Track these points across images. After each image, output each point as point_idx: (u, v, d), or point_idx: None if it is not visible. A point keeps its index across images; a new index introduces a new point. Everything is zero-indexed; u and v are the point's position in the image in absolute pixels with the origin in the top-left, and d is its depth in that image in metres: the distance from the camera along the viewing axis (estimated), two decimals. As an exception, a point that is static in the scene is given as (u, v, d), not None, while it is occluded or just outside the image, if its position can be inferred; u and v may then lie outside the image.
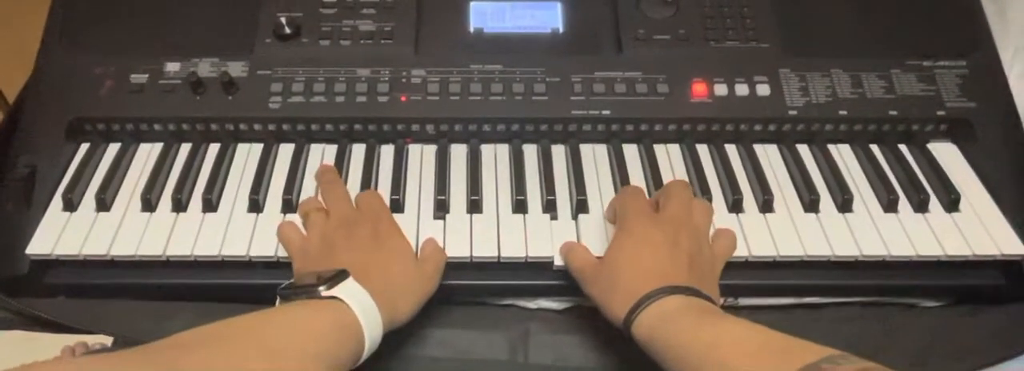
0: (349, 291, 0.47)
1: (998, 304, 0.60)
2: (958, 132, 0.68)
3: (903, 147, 0.68)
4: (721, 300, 0.53)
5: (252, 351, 0.41)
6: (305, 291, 0.47)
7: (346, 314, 0.46)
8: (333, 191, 0.60)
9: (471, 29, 0.71)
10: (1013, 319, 0.58)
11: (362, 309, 0.47)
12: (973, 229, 0.60)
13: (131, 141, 0.67)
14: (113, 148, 0.66)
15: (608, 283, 0.51)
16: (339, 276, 0.48)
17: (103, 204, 0.61)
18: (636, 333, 0.48)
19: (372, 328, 0.47)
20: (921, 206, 0.62)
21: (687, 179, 0.65)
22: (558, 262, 0.58)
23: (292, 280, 0.51)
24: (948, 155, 0.67)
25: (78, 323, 0.57)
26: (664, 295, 0.48)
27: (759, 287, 0.60)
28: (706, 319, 0.46)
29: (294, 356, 0.42)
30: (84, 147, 0.66)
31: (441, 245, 0.58)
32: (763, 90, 0.68)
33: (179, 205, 0.61)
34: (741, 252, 0.59)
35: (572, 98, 0.67)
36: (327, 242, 0.54)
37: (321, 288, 0.47)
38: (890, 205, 0.62)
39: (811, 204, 0.62)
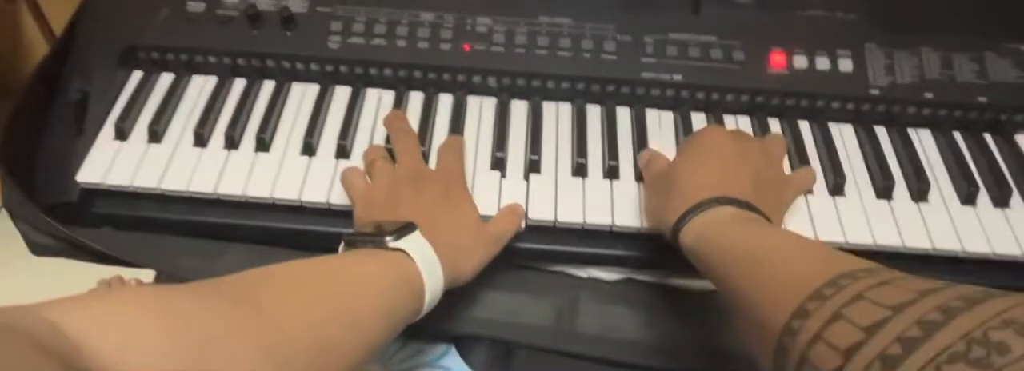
0: (416, 245, 0.46)
1: (1072, 311, 0.57)
2: (1051, 125, 0.64)
3: (988, 136, 0.64)
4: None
5: (326, 299, 0.40)
6: (372, 240, 0.46)
7: (410, 268, 0.45)
8: (405, 142, 0.57)
9: (542, -22, 0.68)
10: (1087, 328, 0.55)
11: (426, 265, 0.45)
12: (1056, 229, 0.57)
13: (185, 72, 0.65)
14: (166, 78, 0.64)
15: (668, 188, 0.51)
16: (407, 228, 0.46)
17: (155, 135, 0.60)
18: (682, 240, 0.47)
19: (434, 286, 0.46)
20: (1002, 201, 0.59)
21: (756, 154, 0.62)
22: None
23: (355, 229, 0.50)
24: (1037, 148, 0.63)
25: (123, 255, 0.56)
26: (718, 204, 0.47)
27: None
28: (755, 228, 0.45)
29: (365, 308, 0.41)
30: (137, 75, 0.64)
31: (520, 214, 0.56)
32: (845, 65, 0.64)
33: (232, 142, 0.60)
34: (806, 235, 0.56)
35: (643, 59, 0.64)
36: (394, 193, 0.52)
37: (389, 238, 0.45)
38: (969, 197, 0.59)
39: (884, 190, 0.59)
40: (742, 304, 0.41)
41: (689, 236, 0.47)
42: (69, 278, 0.56)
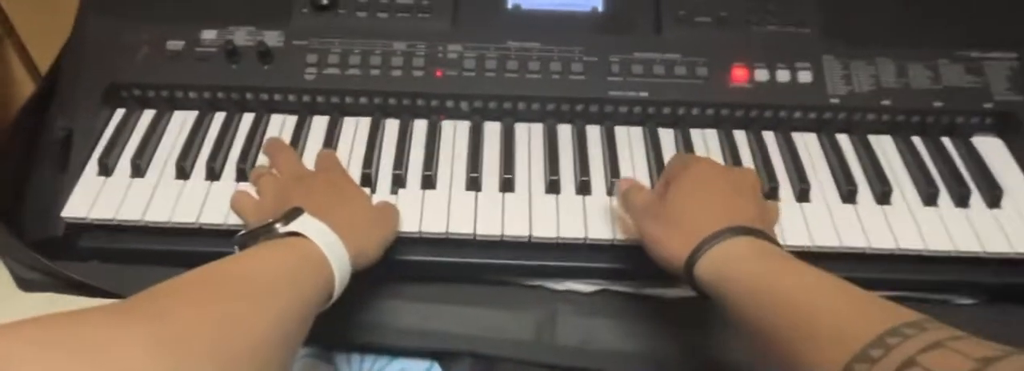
0: (307, 225, 0.46)
1: (1034, 304, 0.59)
2: (1005, 126, 0.66)
3: (946, 140, 0.66)
4: None
5: (231, 294, 0.39)
6: (262, 232, 0.46)
7: (311, 249, 0.45)
8: (281, 154, 0.59)
9: (509, 5, 0.70)
10: (1049, 320, 0.57)
11: (325, 242, 0.45)
12: (1014, 226, 0.59)
13: (166, 108, 0.67)
14: (148, 114, 0.66)
15: (669, 222, 0.49)
16: (293, 213, 0.46)
17: (138, 170, 0.61)
18: (699, 275, 0.45)
19: (339, 262, 0.46)
20: (962, 201, 0.61)
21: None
22: (614, 199, 0.58)
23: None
24: (993, 149, 0.65)
25: (110, 287, 0.57)
26: (731, 235, 0.45)
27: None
28: (780, 263, 0.44)
29: (271, 295, 0.40)
30: (120, 113, 0.66)
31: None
32: (805, 77, 0.67)
33: (213, 174, 0.62)
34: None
35: (609, 78, 0.66)
36: (282, 197, 0.52)
37: (277, 225, 0.45)
38: (930, 199, 0.61)
39: (849, 195, 0.61)
40: (776, 350, 0.40)
41: (705, 272, 0.45)
42: (57, 310, 0.57)
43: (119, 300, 0.37)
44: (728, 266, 0.45)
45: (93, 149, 0.63)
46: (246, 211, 0.55)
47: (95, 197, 0.60)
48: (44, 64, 0.67)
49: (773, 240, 0.47)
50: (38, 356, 0.29)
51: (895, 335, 0.34)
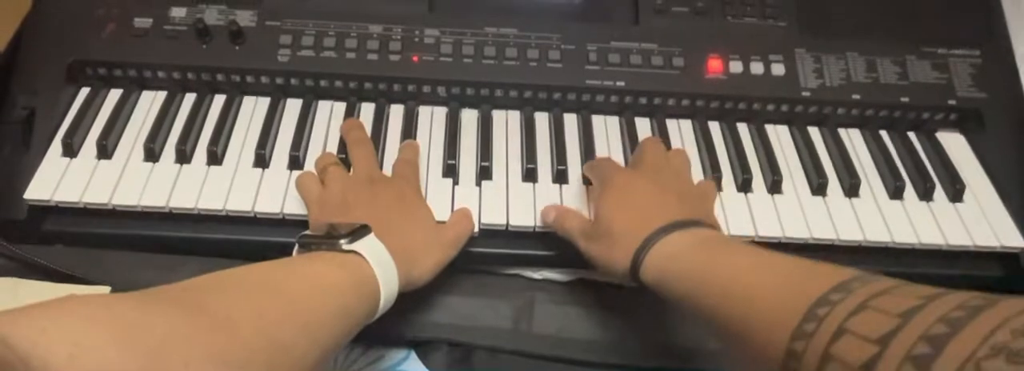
0: (370, 247, 0.46)
1: (993, 295, 0.61)
2: (967, 123, 0.68)
3: (912, 135, 0.68)
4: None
5: (279, 302, 0.40)
6: (326, 243, 0.46)
7: (364, 270, 0.45)
8: (360, 149, 0.58)
9: (487, -10, 0.70)
10: (1007, 311, 0.59)
11: (381, 267, 0.46)
12: (975, 220, 0.61)
13: (133, 87, 0.65)
14: (115, 94, 0.64)
15: (605, 238, 0.50)
16: (361, 230, 0.47)
17: (104, 151, 0.60)
18: (645, 278, 0.47)
19: (388, 287, 0.46)
20: (926, 195, 0.63)
21: (698, 157, 0.65)
22: (539, 222, 0.58)
23: (309, 231, 0.50)
24: (956, 145, 0.67)
25: (76, 272, 0.56)
26: (663, 235, 0.47)
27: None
28: (718, 250, 0.45)
29: (318, 310, 0.41)
30: (85, 91, 0.64)
31: (472, 218, 0.57)
32: (778, 70, 0.67)
33: (183, 156, 0.60)
34: (747, 231, 0.59)
35: (587, 67, 0.66)
36: (349, 196, 0.53)
37: (342, 241, 0.46)
38: (896, 192, 0.63)
39: (819, 187, 0.62)
40: (728, 338, 0.41)
41: (650, 274, 0.47)
42: (23, 295, 0.55)
43: (176, 289, 0.38)
44: (667, 265, 0.46)
45: (57, 129, 0.61)
46: (309, 197, 0.55)
47: (59, 179, 0.58)
48: (1, 40, 0.64)
49: (707, 223, 0.48)
50: (109, 349, 0.30)
51: (823, 305, 0.34)
